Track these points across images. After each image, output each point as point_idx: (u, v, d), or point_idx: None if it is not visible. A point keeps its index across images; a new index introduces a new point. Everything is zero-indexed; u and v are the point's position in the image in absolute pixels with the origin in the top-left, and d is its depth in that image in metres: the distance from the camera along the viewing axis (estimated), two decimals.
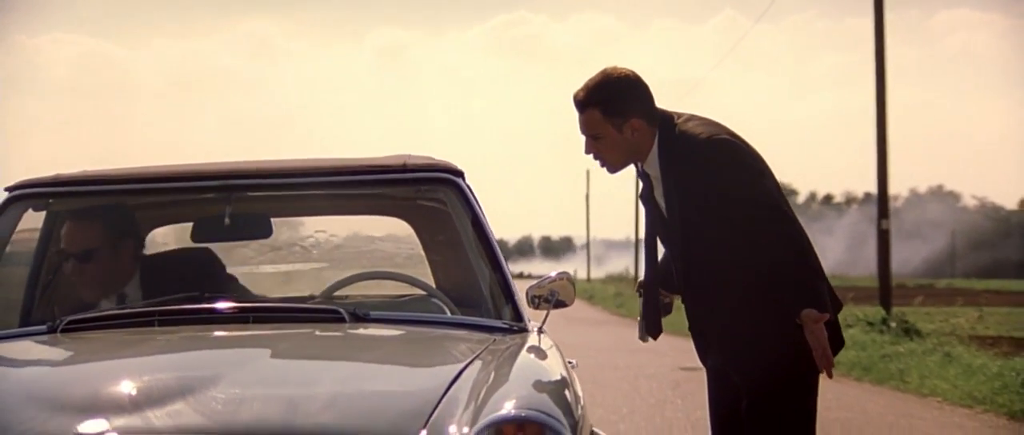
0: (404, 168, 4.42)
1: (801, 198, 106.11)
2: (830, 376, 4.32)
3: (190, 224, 4.73)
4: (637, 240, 60.03)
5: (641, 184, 4.64)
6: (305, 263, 5.20)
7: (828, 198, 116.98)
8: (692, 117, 4.58)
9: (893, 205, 23.16)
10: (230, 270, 5.07)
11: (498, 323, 4.09)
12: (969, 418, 11.15)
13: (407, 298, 4.63)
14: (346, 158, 4.59)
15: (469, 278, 4.43)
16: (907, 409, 11.72)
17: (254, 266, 5.21)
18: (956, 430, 10.40)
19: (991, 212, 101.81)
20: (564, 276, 4.24)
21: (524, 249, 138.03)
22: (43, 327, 4.03)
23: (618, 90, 4.44)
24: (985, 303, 20.51)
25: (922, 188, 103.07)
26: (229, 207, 4.33)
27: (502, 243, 5.32)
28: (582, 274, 65.68)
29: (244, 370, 3.27)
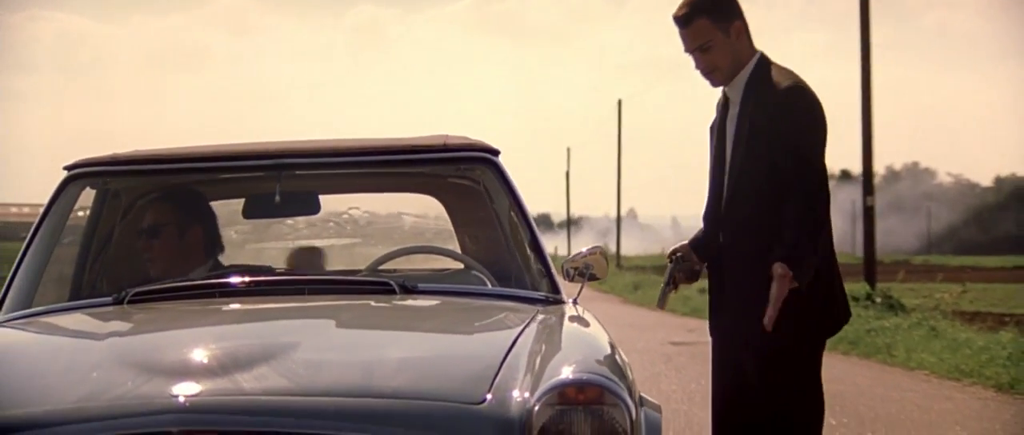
0: (444, 148, 4.63)
1: None
2: (768, 330, 4.48)
3: (233, 200, 4.96)
4: (619, 217, 60.42)
5: (715, 114, 4.88)
6: (339, 238, 5.41)
7: None
8: (784, 67, 4.84)
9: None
10: (269, 244, 5.30)
11: (537, 295, 4.29)
12: (957, 391, 11.42)
13: (446, 271, 4.86)
14: (388, 139, 4.79)
15: (506, 252, 4.64)
16: (896, 382, 11.99)
17: (290, 241, 5.41)
18: (946, 402, 10.66)
19: (966, 189, 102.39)
20: (597, 250, 4.46)
21: None
22: (108, 299, 4.23)
23: None
24: (967, 279, 20.82)
25: (898, 165, 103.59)
26: (279, 185, 4.51)
27: None
28: (562, 250, 65.94)
29: (318, 338, 3.48)
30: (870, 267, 19.93)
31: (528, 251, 4.49)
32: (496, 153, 4.65)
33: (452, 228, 5.31)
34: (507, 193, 4.59)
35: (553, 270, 4.41)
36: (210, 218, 4.85)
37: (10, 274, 4.41)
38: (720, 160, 4.83)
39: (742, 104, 4.75)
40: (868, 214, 20.09)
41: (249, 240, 5.53)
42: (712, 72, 4.79)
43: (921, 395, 11.11)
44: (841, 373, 12.10)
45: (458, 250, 5.12)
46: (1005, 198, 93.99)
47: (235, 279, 4.29)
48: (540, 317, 3.83)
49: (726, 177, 4.78)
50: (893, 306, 17.61)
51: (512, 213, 4.58)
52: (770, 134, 4.63)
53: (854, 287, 19.77)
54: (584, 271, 4.40)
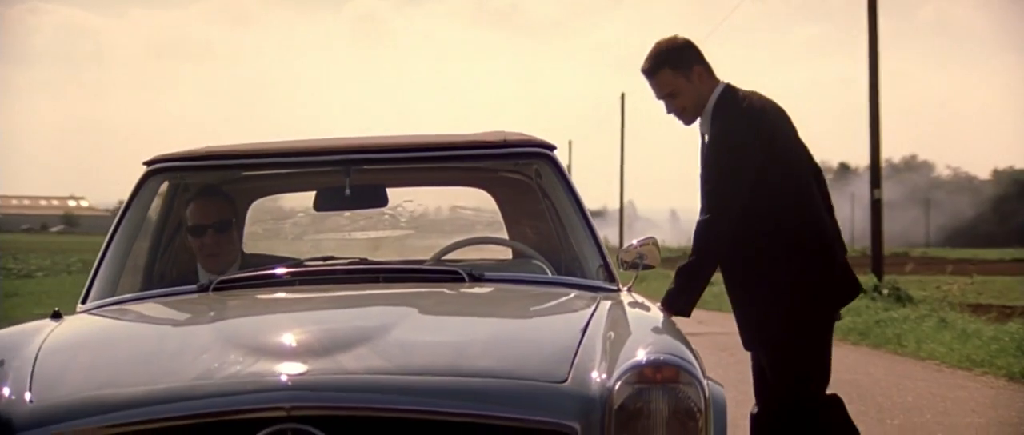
0: (504, 143, 4.86)
1: None
2: None
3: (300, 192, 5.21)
4: (622, 208, 60.54)
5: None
6: (393, 230, 5.65)
7: None
8: (752, 93, 5.13)
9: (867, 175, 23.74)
10: (325, 236, 5.54)
11: (594, 283, 4.52)
12: (969, 380, 11.65)
13: (504, 261, 5.10)
14: (450, 134, 5.03)
15: (561, 242, 4.88)
16: (908, 371, 12.22)
17: (347, 233, 5.65)
18: (959, 390, 10.89)
19: (965, 182, 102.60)
20: (650, 240, 4.69)
21: None
22: (192, 287, 4.46)
23: (677, 48, 5.16)
24: (974, 272, 21.02)
25: (896, 158, 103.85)
26: (349, 178, 4.74)
27: None
28: None
29: (407, 321, 3.70)
30: (877, 259, 20.16)
31: (584, 241, 4.71)
32: (553, 148, 4.88)
33: (502, 220, 5.55)
34: (563, 186, 4.82)
35: (609, 260, 4.64)
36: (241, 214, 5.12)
37: (95, 265, 4.64)
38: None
39: (708, 135, 5.17)
40: (875, 207, 20.31)
41: (307, 232, 5.78)
42: (681, 113, 5.20)
43: (934, 384, 11.34)
44: (854, 363, 12.34)
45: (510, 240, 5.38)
46: (1004, 191, 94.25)
47: (314, 268, 4.53)
48: (604, 303, 4.05)
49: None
50: (901, 298, 17.85)
51: (569, 205, 4.80)
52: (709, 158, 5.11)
53: (861, 279, 20.01)
54: (638, 261, 4.63)
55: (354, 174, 4.74)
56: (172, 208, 5.05)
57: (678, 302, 4.89)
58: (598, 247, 4.66)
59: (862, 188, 20.60)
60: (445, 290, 4.29)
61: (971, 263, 34.08)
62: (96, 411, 3.20)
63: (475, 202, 5.65)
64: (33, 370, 3.44)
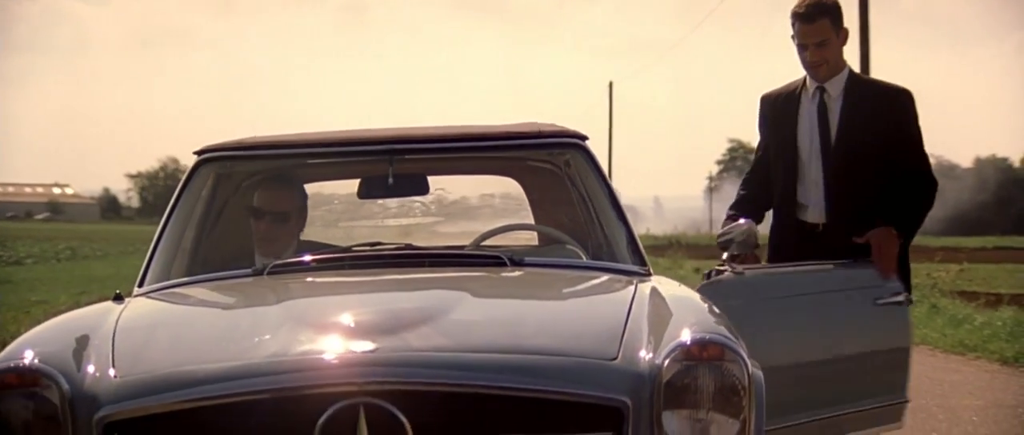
0: (539, 134, 5.09)
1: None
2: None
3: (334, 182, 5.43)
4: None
5: (806, 99, 5.68)
6: (424, 217, 5.87)
7: None
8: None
9: None
10: (359, 222, 5.76)
11: (628, 267, 4.73)
12: (964, 364, 11.91)
13: (537, 247, 5.32)
14: (487, 126, 5.24)
15: (592, 228, 5.09)
16: None
17: (379, 220, 5.87)
18: (954, 374, 11.15)
19: (946, 170, 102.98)
20: (749, 222, 4.89)
21: None
22: (247, 271, 4.67)
23: (838, 5, 5.63)
24: (965, 259, 21.30)
25: None
26: (391, 168, 4.95)
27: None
28: None
29: (463, 303, 3.90)
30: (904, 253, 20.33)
31: (616, 227, 4.92)
32: (585, 138, 5.10)
33: (529, 207, 5.77)
34: (596, 174, 5.03)
35: (640, 245, 4.85)
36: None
37: (149, 251, 4.84)
38: (821, 141, 5.63)
39: (845, 98, 5.61)
40: None
41: (340, 219, 6.01)
42: (821, 66, 5.62)
43: (930, 368, 11.60)
44: None
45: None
46: (985, 179, 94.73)
47: (363, 253, 4.75)
48: (641, 285, 4.27)
49: (831, 157, 5.60)
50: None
51: (601, 192, 5.02)
52: (886, 127, 5.53)
53: None
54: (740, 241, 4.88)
55: (398, 163, 4.96)
56: (215, 196, 5.24)
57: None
58: (630, 233, 4.87)
59: None
60: (491, 274, 4.50)
61: (959, 251, 34.36)
62: (179, 386, 3.40)
63: (502, 190, 5.88)
64: (114, 348, 3.63)
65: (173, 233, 4.94)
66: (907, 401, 5.18)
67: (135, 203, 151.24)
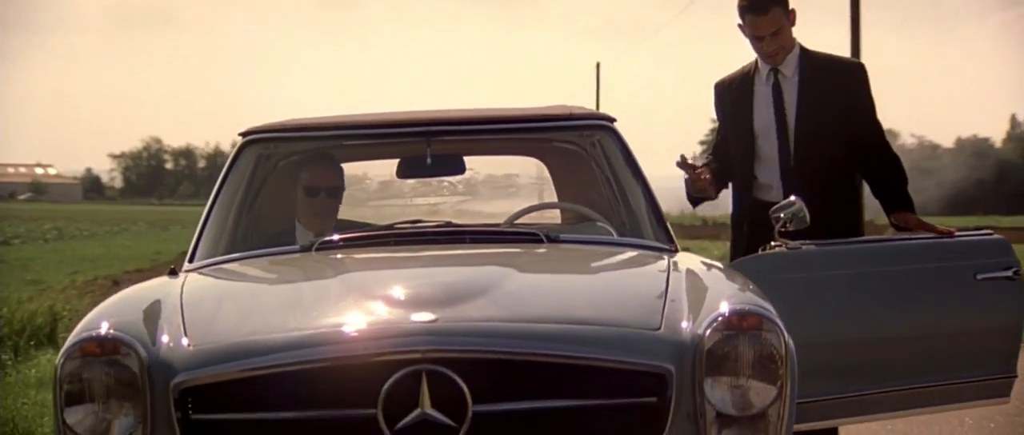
0: (571, 116, 5.31)
1: None
2: None
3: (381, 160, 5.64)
4: None
5: (760, 82, 5.80)
6: (451, 197, 6.09)
7: None
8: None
9: None
10: (388, 201, 5.98)
11: (656, 244, 4.94)
12: None
13: (566, 224, 5.53)
14: (517, 108, 5.46)
15: (620, 207, 5.31)
16: None
17: (408, 199, 6.10)
18: None
19: (929, 150, 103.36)
20: (797, 201, 5.13)
21: None
22: (296, 247, 4.88)
23: None
24: None
25: None
26: (429, 148, 5.17)
27: None
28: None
29: (512, 277, 4.12)
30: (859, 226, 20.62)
31: (644, 206, 5.14)
32: (614, 121, 5.32)
33: (553, 186, 6.00)
34: (624, 155, 5.25)
35: (667, 223, 5.07)
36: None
37: (198, 229, 5.04)
38: (780, 124, 5.73)
39: (800, 79, 5.70)
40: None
41: (371, 198, 6.23)
42: (777, 53, 5.71)
43: None
44: None
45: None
46: (966, 158, 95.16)
47: (407, 230, 4.96)
48: (673, 260, 4.50)
49: (790, 141, 5.69)
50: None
51: (629, 173, 5.23)
52: (844, 102, 5.64)
53: None
54: (790, 220, 5.08)
55: (435, 144, 5.18)
56: (254, 175, 5.44)
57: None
58: (658, 211, 5.08)
59: None
60: (530, 250, 4.71)
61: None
62: (250, 354, 3.61)
63: (526, 170, 6.10)
64: (184, 319, 3.84)
65: (220, 212, 5.15)
66: (1015, 376, 5.19)
67: (118, 183, 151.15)
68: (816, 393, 4.79)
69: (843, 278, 5.13)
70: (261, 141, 5.32)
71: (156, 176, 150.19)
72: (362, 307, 3.78)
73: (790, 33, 5.73)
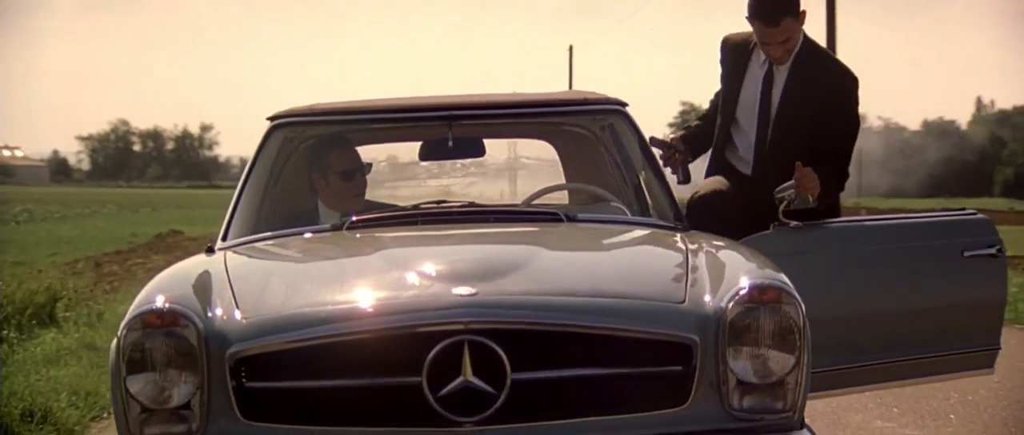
0: (585, 101, 5.55)
1: None
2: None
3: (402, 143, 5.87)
4: None
5: (756, 62, 5.85)
6: (463, 178, 6.32)
7: None
8: (820, 46, 5.98)
9: None
10: (402, 183, 6.20)
11: (669, 223, 5.17)
12: None
13: (576, 204, 5.77)
14: (533, 93, 5.69)
15: (628, 188, 5.55)
16: None
17: (421, 180, 6.32)
18: None
19: (895, 133, 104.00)
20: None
21: None
22: (327, 226, 5.09)
23: None
24: None
25: None
26: (451, 132, 5.39)
27: None
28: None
29: (542, 253, 4.35)
30: (833, 205, 20.96)
31: (656, 187, 5.37)
32: (626, 105, 5.55)
33: (561, 168, 6.23)
34: (636, 138, 5.48)
35: (677, 203, 5.30)
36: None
37: (231, 209, 5.25)
38: (763, 109, 5.83)
39: (792, 73, 5.77)
40: None
41: (387, 180, 6.46)
42: (784, 56, 5.74)
43: None
44: None
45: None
46: (932, 141, 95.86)
47: (432, 209, 5.18)
48: (688, 238, 4.73)
49: (769, 126, 5.80)
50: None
51: (640, 155, 5.46)
52: (809, 107, 5.68)
53: None
54: (793, 198, 5.31)
55: (456, 127, 5.40)
56: (278, 157, 5.64)
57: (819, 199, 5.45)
58: (668, 191, 5.32)
59: None
60: (553, 228, 4.94)
61: (903, 213, 34.94)
62: (302, 325, 3.83)
63: (535, 153, 6.34)
64: (234, 293, 4.05)
65: (250, 193, 5.35)
66: (999, 348, 5.44)
67: (86, 166, 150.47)
68: (813, 365, 5.04)
69: (839, 256, 5.37)
70: (287, 125, 5.52)
71: (124, 158, 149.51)
72: (404, 282, 4.00)
73: (800, 35, 5.72)
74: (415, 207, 5.32)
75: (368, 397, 3.79)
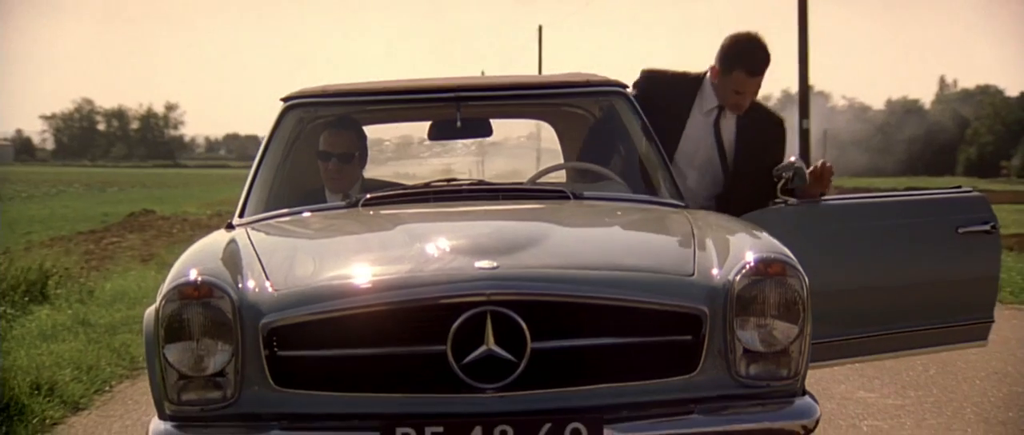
0: (588, 83, 5.75)
1: None
2: None
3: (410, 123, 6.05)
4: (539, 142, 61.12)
5: (700, 110, 5.97)
6: (465, 157, 6.52)
7: None
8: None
9: (765, 104, 24.78)
10: (407, 161, 6.39)
11: (669, 200, 5.37)
12: None
13: (579, 182, 5.96)
14: (537, 76, 5.89)
15: (628, 166, 5.74)
16: None
17: (424, 158, 6.51)
18: None
19: (859, 112, 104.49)
20: (799, 160, 5.54)
21: None
22: (342, 203, 5.27)
23: None
24: None
25: (794, 89, 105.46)
26: (459, 112, 5.58)
27: None
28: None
29: (556, 229, 4.56)
30: None
31: (657, 167, 5.56)
32: (626, 87, 5.75)
33: (560, 147, 6.43)
34: (637, 119, 5.67)
35: (677, 182, 5.49)
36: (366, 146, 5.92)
37: (247, 187, 5.42)
38: (722, 157, 5.96)
39: (740, 120, 5.93)
40: (804, 136, 21.50)
41: (391, 159, 6.64)
42: (743, 107, 5.90)
43: None
44: None
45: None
46: (896, 120, 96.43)
47: (443, 187, 5.36)
48: (691, 214, 4.94)
49: (727, 173, 5.94)
50: None
51: (642, 135, 5.65)
52: (763, 154, 5.83)
53: None
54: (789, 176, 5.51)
55: (464, 108, 5.59)
56: (291, 138, 5.82)
57: None
58: (668, 170, 5.51)
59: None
60: (561, 205, 5.13)
61: (868, 192, 35.21)
62: (332, 297, 4.01)
63: (532, 133, 6.55)
64: (263, 267, 4.23)
65: (265, 171, 5.52)
66: (992, 321, 5.64)
67: (50, 145, 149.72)
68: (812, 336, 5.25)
69: (838, 232, 5.57)
70: (301, 106, 5.69)
71: (88, 138, 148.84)
72: (427, 255, 4.19)
73: None
74: (426, 185, 5.50)
75: (394, 365, 3.98)
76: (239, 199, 5.39)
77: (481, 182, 5.62)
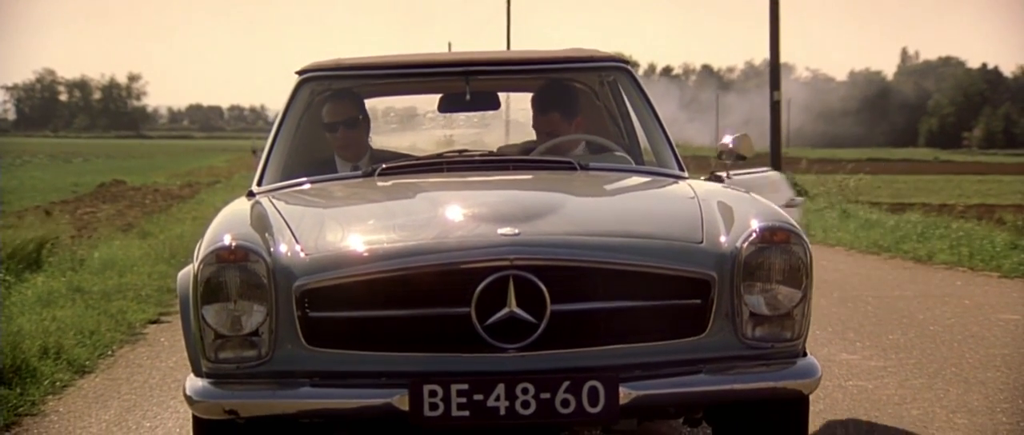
0: (592, 58, 5.96)
1: (642, 70, 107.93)
2: None
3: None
4: (508, 114, 61.17)
5: None
6: (467, 129, 6.73)
7: (667, 70, 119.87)
8: None
9: (729, 77, 25.05)
10: (412, 133, 6.60)
11: (672, 171, 5.59)
12: (881, 262, 13.00)
13: (585, 154, 6.17)
14: (542, 51, 6.08)
15: (629, 138, 5.97)
16: (819, 255, 13.41)
17: (429, 129, 6.72)
18: (876, 271, 12.24)
19: (823, 83, 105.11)
20: (745, 136, 5.76)
21: None
22: (359, 173, 5.47)
23: None
24: (869, 171, 22.56)
25: (758, 61, 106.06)
26: (468, 86, 5.80)
27: None
28: None
29: (571, 198, 4.78)
30: (776, 156, 21.64)
31: (659, 138, 5.77)
32: (629, 62, 5.97)
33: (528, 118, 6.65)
34: (639, 93, 5.89)
35: (678, 153, 5.72)
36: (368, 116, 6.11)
37: (264, 157, 5.60)
38: None
39: None
40: (775, 109, 21.77)
41: (396, 130, 6.84)
42: None
43: (853, 265, 12.70)
44: None
45: None
46: (859, 92, 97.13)
47: (456, 159, 5.57)
48: (694, 184, 5.16)
49: None
50: (800, 192, 19.27)
51: (644, 109, 5.87)
52: None
53: None
54: (733, 150, 5.71)
55: (473, 82, 5.80)
56: (300, 109, 6.00)
57: None
58: (670, 142, 5.73)
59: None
60: (571, 176, 5.34)
61: (830, 162, 35.63)
62: (362, 262, 4.21)
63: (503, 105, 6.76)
64: (293, 232, 4.43)
65: (281, 142, 5.70)
66: None
67: (11, 116, 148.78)
68: None
69: None
70: (314, 79, 5.88)
71: (50, 108, 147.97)
72: (450, 222, 4.40)
73: None
74: (439, 156, 5.70)
75: (421, 325, 4.19)
76: (257, 169, 5.57)
77: (492, 153, 5.83)
